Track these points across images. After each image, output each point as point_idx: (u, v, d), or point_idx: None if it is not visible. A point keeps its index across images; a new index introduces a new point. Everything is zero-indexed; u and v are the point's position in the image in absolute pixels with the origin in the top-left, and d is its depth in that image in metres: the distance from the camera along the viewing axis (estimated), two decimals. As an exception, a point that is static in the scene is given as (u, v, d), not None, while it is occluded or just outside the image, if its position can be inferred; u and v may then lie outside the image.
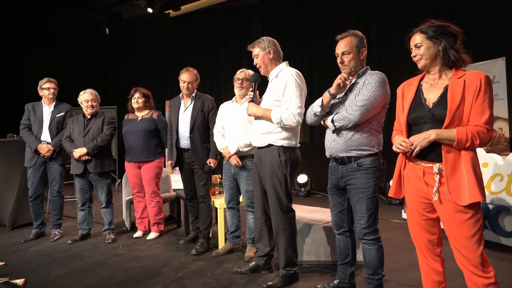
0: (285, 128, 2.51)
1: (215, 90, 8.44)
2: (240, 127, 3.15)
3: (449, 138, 1.68)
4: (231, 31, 8.53)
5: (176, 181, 5.58)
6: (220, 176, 4.10)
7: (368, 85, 2.13)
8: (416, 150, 1.76)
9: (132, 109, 3.93)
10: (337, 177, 2.28)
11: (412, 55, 1.85)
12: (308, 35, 7.46)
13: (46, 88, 3.92)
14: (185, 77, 3.52)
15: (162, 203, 4.02)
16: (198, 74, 3.61)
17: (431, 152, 1.76)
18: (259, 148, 2.64)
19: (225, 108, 3.37)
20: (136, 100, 3.85)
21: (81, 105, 3.82)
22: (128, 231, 4.20)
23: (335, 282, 2.46)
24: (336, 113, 2.21)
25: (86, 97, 3.77)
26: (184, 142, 3.53)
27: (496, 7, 5.26)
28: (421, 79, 1.92)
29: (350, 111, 2.15)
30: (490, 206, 3.51)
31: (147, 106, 3.92)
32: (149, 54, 9.32)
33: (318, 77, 7.08)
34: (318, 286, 2.48)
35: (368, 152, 2.17)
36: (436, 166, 1.73)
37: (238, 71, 3.27)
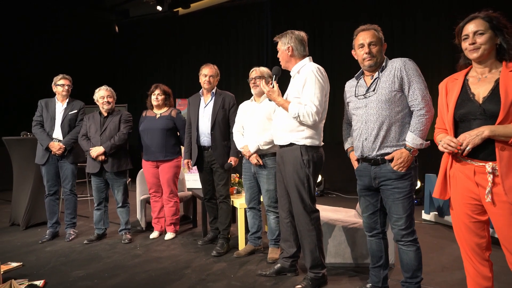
0: (308, 126, 2.42)
1: (226, 89, 8.33)
2: (259, 125, 3.07)
3: (505, 134, 1.58)
4: (241, 29, 8.45)
5: (189, 180, 5.51)
6: (238, 175, 4.02)
7: (415, 77, 2.04)
8: (468, 148, 1.66)
9: (151, 105, 3.85)
10: (369, 178, 2.19)
11: (468, 43, 1.71)
12: (320, 32, 7.37)
13: (61, 84, 3.84)
14: (207, 71, 3.44)
15: (179, 203, 3.94)
16: (219, 70, 3.53)
17: (482, 150, 1.66)
18: (281, 146, 2.55)
19: (244, 107, 3.29)
20: (156, 96, 3.77)
21: (97, 102, 3.74)
22: (143, 231, 4.13)
23: (368, 286, 2.38)
24: (416, 120, 2.04)
25: (102, 94, 3.69)
26: (205, 139, 3.44)
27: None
28: (466, 74, 1.82)
29: (419, 114, 2.03)
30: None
31: (166, 104, 3.84)
32: (158, 53, 9.25)
33: (329, 75, 6.97)
34: None
35: (402, 147, 2.07)
36: (489, 165, 1.64)
37: (251, 71, 3.20)
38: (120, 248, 3.53)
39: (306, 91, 2.38)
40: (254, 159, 3.04)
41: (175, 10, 8.75)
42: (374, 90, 2.12)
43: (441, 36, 5.95)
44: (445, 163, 1.84)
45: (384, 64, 2.14)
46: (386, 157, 2.09)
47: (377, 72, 2.15)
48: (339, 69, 6.65)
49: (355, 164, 2.30)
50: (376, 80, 2.13)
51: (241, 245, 3.38)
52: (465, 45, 1.75)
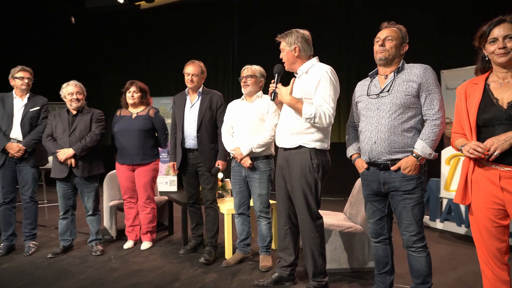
0: (317, 128, 2.32)
1: None
2: (251, 126, 2.92)
3: None
4: (209, 26, 8.17)
5: (161, 183, 5.18)
6: (219, 178, 3.82)
7: (434, 87, 2.01)
8: (495, 153, 1.65)
9: (126, 104, 3.53)
10: (378, 183, 2.13)
11: (498, 47, 1.69)
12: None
13: (20, 77, 3.39)
14: (190, 69, 3.22)
15: (156, 209, 3.65)
16: (205, 67, 3.32)
17: (508, 155, 1.65)
18: (286, 149, 2.42)
19: (233, 106, 3.12)
20: (132, 94, 3.45)
21: (64, 99, 3.35)
22: (114, 241, 3.78)
23: (374, 292, 2.32)
24: (428, 126, 2.01)
25: (70, 90, 3.31)
26: (190, 141, 3.22)
27: (490, 13, 5.46)
28: (486, 78, 1.82)
29: (434, 124, 1.99)
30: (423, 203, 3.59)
31: (143, 102, 3.54)
32: (119, 48, 8.64)
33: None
34: None
35: (411, 153, 2.04)
36: (516, 170, 1.64)
37: (242, 69, 3.04)
38: (92, 261, 3.18)
39: (320, 92, 2.27)
40: (247, 162, 2.88)
41: (136, 3, 8.29)
42: (388, 91, 2.07)
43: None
44: (466, 168, 1.82)
45: (400, 66, 2.09)
46: (392, 168, 2.04)
47: (392, 73, 2.09)
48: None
49: (361, 169, 2.23)
50: (391, 81, 2.08)
51: (229, 253, 3.19)
52: (491, 48, 1.73)
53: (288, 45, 2.37)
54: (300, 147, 2.33)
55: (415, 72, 2.02)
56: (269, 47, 7.72)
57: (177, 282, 2.72)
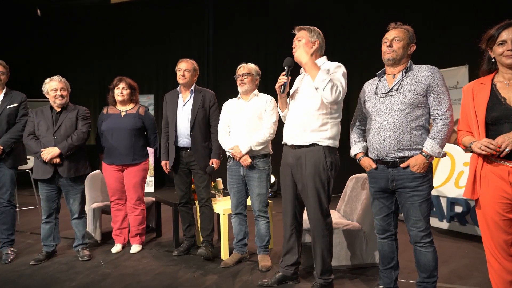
0: (331, 125, 2.32)
1: (162, 87, 7.87)
2: (249, 125, 2.89)
3: None
4: (183, 23, 7.95)
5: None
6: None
7: (442, 88, 2.06)
8: (507, 150, 1.73)
9: (114, 101, 3.37)
10: (386, 180, 2.17)
11: (507, 49, 1.77)
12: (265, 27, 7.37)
13: (-7, 72, 3.15)
14: (182, 65, 3.16)
15: (145, 210, 3.52)
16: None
17: (516, 152, 1.74)
18: (297, 147, 2.40)
19: (229, 105, 3.07)
20: (121, 91, 3.30)
21: (47, 95, 3.14)
22: (98, 245, 3.60)
23: (380, 287, 2.37)
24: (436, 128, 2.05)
25: (53, 85, 3.10)
26: (183, 140, 3.14)
27: (461, 18, 5.72)
28: (492, 79, 1.91)
29: (443, 123, 2.05)
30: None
31: (132, 100, 3.40)
32: (86, 45, 8.21)
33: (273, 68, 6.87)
34: None
35: (420, 152, 2.10)
36: (525, 167, 1.73)
37: (238, 67, 3.00)
38: (81, 267, 3.01)
39: (334, 75, 2.25)
40: (246, 160, 2.84)
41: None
42: (397, 90, 2.11)
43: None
44: (475, 165, 1.90)
45: (408, 66, 2.14)
46: (401, 165, 2.09)
47: (401, 73, 2.14)
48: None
49: (369, 168, 2.26)
50: (400, 81, 2.12)
51: (225, 254, 3.14)
52: (500, 50, 1.81)
53: (310, 37, 2.36)
54: (313, 145, 2.32)
55: (424, 73, 2.08)
56: (245, 44, 7.81)
57: (177, 285, 2.63)
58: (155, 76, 8.18)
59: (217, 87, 7.42)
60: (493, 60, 1.89)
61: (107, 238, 3.74)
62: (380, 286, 2.37)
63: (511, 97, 1.80)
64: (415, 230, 2.14)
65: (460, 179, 3.94)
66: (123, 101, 3.33)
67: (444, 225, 4.00)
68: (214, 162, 3.13)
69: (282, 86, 2.37)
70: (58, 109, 3.13)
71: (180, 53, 7.94)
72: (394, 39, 2.12)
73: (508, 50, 1.78)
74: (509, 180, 1.78)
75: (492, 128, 1.84)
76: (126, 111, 3.34)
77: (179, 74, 3.15)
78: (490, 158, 1.84)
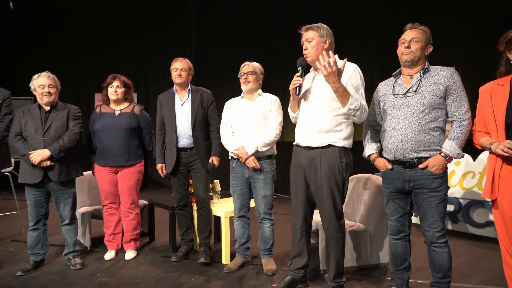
0: (345, 125, 2.29)
1: (143, 90, 7.64)
2: (254, 125, 2.82)
3: None
4: (163, 19, 7.69)
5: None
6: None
7: (461, 89, 2.07)
8: (529, 151, 1.76)
9: (107, 100, 3.19)
10: (402, 181, 2.17)
11: None
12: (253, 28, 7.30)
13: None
14: (178, 64, 3.04)
15: (140, 215, 3.36)
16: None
17: (537, 154, 1.77)
18: (310, 148, 2.34)
19: (232, 105, 2.98)
20: (115, 89, 3.13)
21: (34, 92, 2.93)
22: (88, 251, 3.41)
23: (393, 289, 2.36)
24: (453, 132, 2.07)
25: (41, 82, 2.89)
26: (184, 140, 3.03)
27: (446, 22, 5.86)
28: (511, 80, 1.93)
29: (463, 124, 2.06)
30: (462, 201, 3.88)
31: (127, 98, 3.23)
32: (62, 41, 7.72)
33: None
34: None
35: (438, 153, 2.11)
36: (544, 167, 1.76)
37: (242, 66, 2.92)
38: (74, 276, 2.83)
39: (354, 87, 2.21)
40: (251, 162, 2.77)
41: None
42: (415, 91, 2.10)
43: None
44: (494, 165, 1.92)
45: (426, 67, 2.13)
46: (420, 166, 2.09)
47: (418, 73, 2.13)
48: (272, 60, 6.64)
49: (384, 168, 2.25)
50: (417, 82, 2.12)
51: (226, 258, 3.05)
52: None
53: (320, 36, 2.29)
54: (328, 146, 2.27)
55: (443, 75, 2.08)
56: (228, 42, 7.69)
57: (183, 293, 2.52)
58: (135, 74, 7.90)
59: (200, 86, 7.25)
60: (511, 62, 1.92)
61: (97, 244, 3.55)
62: (393, 287, 2.37)
63: None
64: (431, 231, 2.14)
65: (451, 178, 4.04)
66: (117, 100, 3.16)
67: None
68: (214, 160, 3.04)
69: (297, 88, 2.30)
70: (47, 108, 2.92)
71: (161, 51, 7.81)
72: (412, 40, 2.11)
73: None
74: (529, 181, 1.81)
75: (511, 129, 1.87)
76: (120, 110, 3.17)
77: (175, 74, 3.03)
78: (509, 159, 1.86)
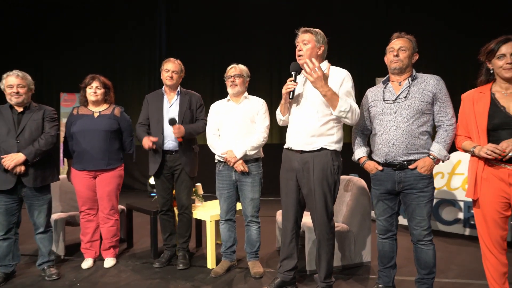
0: (336, 129, 2.34)
1: (119, 92, 7.32)
2: (241, 128, 2.81)
3: None
4: (132, 17, 7.47)
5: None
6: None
7: (447, 96, 2.20)
8: (510, 154, 1.89)
9: (85, 101, 3.04)
10: (392, 182, 2.26)
11: (506, 62, 1.94)
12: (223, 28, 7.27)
13: None
14: (170, 66, 2.99)
15: (119, 221, 3.24)
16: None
17: (515, 156, 1.92)
18: (303, 152, 2.38)
19: (218, 107, 2.95)
20: (94, 90, 2.99)
21: (4, 91, 2.74)
22: (62, 260, 3.23)
23: (380, 286, 2.45)
24: (439, 137, 2.19)
25: (10, 81, 2.71)
26: (170, 143, 2.96)
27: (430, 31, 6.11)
28: (491, 88, 2.07)
29: (449, 129, 2.18)
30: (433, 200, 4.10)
31: (106, 100, 3.10)
32: (21, 40, 7.27)
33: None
34: None
35: (426, 155, 2.22)
36: (523, 169, 1.90)
37: (228, 68, 2.91)
38: (50, 287, 2.67)
39: (345, 91, 2.27)
40: (240, 166, 2.76)
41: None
42: (405, 97, 2.20)
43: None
44: (475, 167, 2.05)
45: (413, 74, 2.24)
46: (410, 166, 2.20)
47: (407, 80, 2.23)
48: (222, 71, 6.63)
49: (374, 170, 2.33)
50: (407, 88, 2.22)
51: (211, 262, 3.01)
52: (499, 63, 1.98)
53: (317, 41, 2.33)
54: (321, 149, 2.32)
55: (430, 82, 2.20)
56: (200, 40, 7.58)
57: (172, 300, 2.46)
58: (102, 75, 7.55)
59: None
60: (491, 72, 2.07)
61: (71, 253, 3.38)
62: (380, 285, 2.46)
63: (510, 105, 1.98)
64: (419, 229, 2.24)
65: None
66: (96, 101, 3.03)
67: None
68: (180, 127, 2.89)
69: (291, 92, 2.33)
70: (20, 109, 2.74)
71: (129, 52, 7.54)
72: (400, 48, 2.21)
73: (507, 63, 1.95)
74: (509, 182, 1.95)
75: (492, 134, 2.01)
76: (99, 111, 3.04)
77: (166, 75, 2.98)
78: (491, 161, 2.00)
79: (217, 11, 7.22)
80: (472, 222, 3.82)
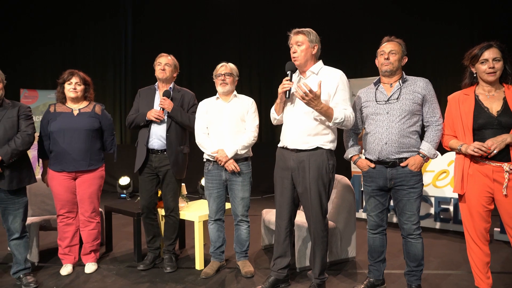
0: (331, 129, 2.39)
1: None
2: (232, 127, 2.79)
3: None
4: (95, 14, 7.10)
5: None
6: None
7: (435, 98, 2.32)
8: (495, 152, 2.03)
9: (63, 98, 2.87)
10: (384, 179, 2.35)
11: (488, 66, 2.08)
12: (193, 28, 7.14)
13: None
14: (163, 59, 2.95)
15: (100, 224, 3.09)
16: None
17: (499, 154, 2.06)
18: (299, 151, 2.40)
19: (207, 106, 2.90)
20: (74, 86, 2.83)
21: (-27, 88, 2.53)
22: (37, 268, 3.03)
23: (371, 280, 2.54)
24: (429, 136, 2.30)
25: (-20, 77, 2.52)
26: (156, 141, 2.88)
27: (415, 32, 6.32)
28: (474, 90, 2.22)
29: (437, 129, 2.29)
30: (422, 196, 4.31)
31: (86, 97, 2.94)
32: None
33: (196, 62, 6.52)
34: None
35: (416, 153, 2.33)
36: (506, 166, 2.05)
37: (218, 66, 2.88)
38: (30, 297, 2.50)
39: (341, 96, 2.32)
40: (231, 165, 2.73)
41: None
42: (397, 99, 2.30)
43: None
44: (462, 164, 2.19)
45: (404, 77, 2.34)
46: (401, 164, 2.30)
47: (398, 82, 2.33)
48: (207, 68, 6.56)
49: (366, 168, 2.41)
50: (398, 90, 2.31)
51: (200, 263, 2.97)
52: (482, 68, 2.12)
53: (310, 41, 2.35)
54: (317, 148, 2.35)
55: (420, 84, 2.32)
56: (169, 38, 7.39)
57: (166, 303, 2.39)
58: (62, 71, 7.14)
59: (137, 85, 6.82)
60: (474, 75, 2.21)
61: (46, 259, 3.18)
62: (371, 279, 2.54)
63: (493, 107, 2.13)
64: (409, 224, 2.35)
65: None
66: (76, 98, 2.87)
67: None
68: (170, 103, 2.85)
69: (287, 92, 2.34)
70: (-8, 106, 2.54)
71: (91, 50, 7.17)
72: (390, 52, 2.30)
73: (489, 68, 2.10)
74: (493, 177, 2.10)
75: (477, 133, 2.15)
76: (79, 109, 2.88)
77: (158, 68, 2.93)
78: (476, 158, 2.14)
79: (185, 7, 7.07)
80: (442, 217, 4.08)
